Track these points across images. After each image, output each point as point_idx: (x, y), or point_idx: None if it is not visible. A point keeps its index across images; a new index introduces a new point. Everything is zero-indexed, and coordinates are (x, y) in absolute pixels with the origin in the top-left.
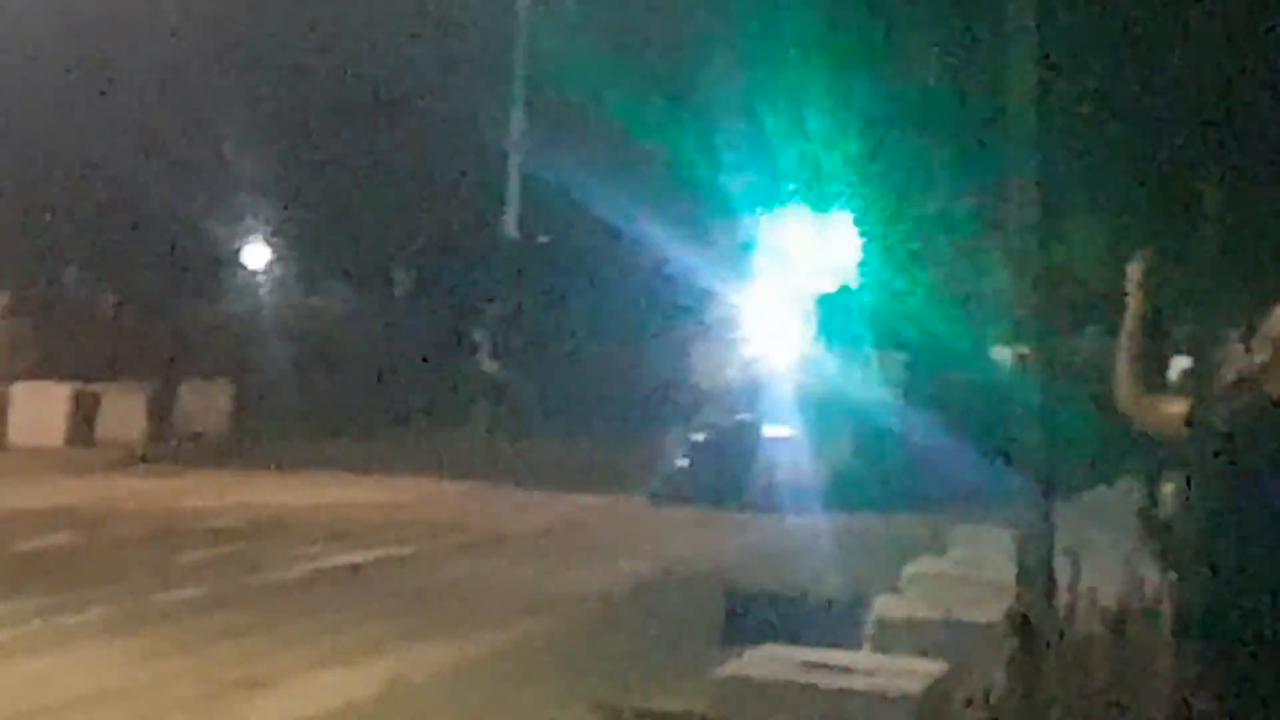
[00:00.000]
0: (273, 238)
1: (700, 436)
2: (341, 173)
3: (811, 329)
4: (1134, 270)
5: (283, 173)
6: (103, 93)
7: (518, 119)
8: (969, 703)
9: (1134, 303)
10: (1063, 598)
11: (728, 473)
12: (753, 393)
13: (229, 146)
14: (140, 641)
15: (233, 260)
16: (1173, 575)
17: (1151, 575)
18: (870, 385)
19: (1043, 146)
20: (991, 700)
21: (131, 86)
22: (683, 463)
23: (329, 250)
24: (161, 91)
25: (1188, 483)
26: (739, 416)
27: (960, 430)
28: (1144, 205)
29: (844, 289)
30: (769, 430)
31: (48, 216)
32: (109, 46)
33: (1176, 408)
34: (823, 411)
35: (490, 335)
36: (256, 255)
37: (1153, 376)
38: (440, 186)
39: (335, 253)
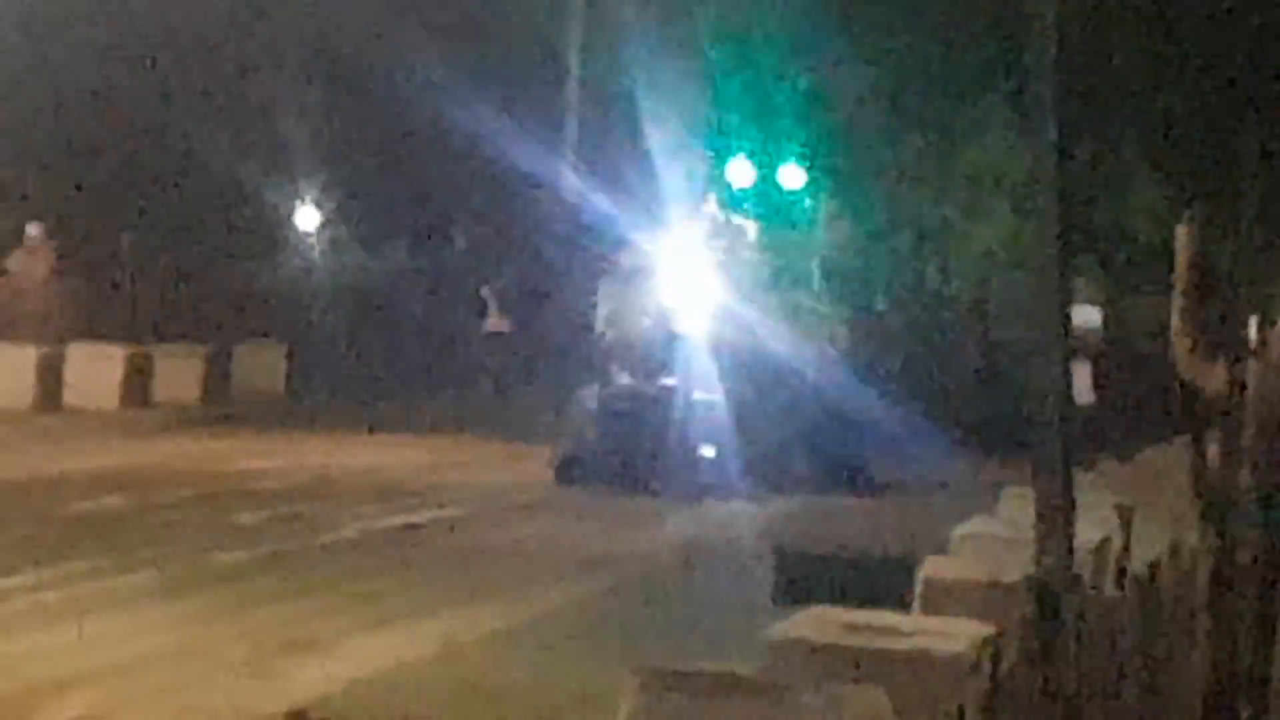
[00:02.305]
0: (325, 200)
1: (614, 404)
2: (395, 134)
3: (759, 279)
4: (1182, 232)
5: (337, 134)
6: (154, 56)
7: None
8: (974, 667)
9: (1183, 263)
10: (1107, 557)
11: (645, 449)
12: (677, 351)
13: (283, 108)
14: (192, 604)
15: (286, 223)
16: (1214, 535)
17: (1191, 537)
18: (822, 344)
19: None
20: (1001, 667)
21: (185, 47)
22: (592, 435)
23: (384, 212)
24: (215, 53)
25: (1231, 443)
26: (661, 380)
27: (929, 399)
28: (1198, 164)
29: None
30: (697, 394)
31: (101, 177)
32: (164, 7)
33: (1223, 368)
34: (756, 373)
35: (496, 291)
36: (309, 217)
37: (1204, 336)
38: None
39: (391, 215)
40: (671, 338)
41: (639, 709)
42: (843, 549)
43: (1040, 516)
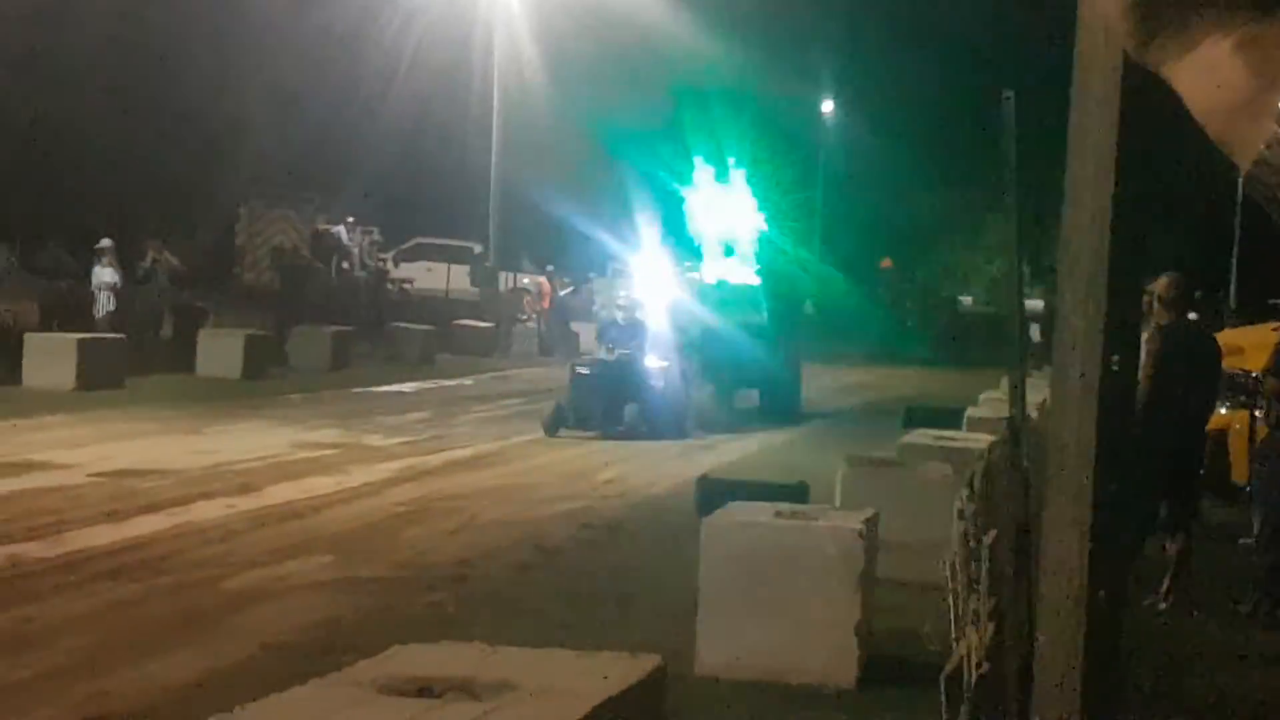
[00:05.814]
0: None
1: (584, 370)
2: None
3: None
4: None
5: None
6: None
7: None
8: (985, 453)
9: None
10: (1043, 409)
11: (604, 404)
12: (641, 331)
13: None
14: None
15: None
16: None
17: None
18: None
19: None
20: (995, 454)
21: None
22: (565, 397)
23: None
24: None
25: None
26: (619, 352)
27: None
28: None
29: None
30: (650, 362)
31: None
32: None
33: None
34: (700, 345)
35: None
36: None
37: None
38: None
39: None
40: (638, 322)
41: (847, 474)
42: (935, 401)
43: (1011, 389)
